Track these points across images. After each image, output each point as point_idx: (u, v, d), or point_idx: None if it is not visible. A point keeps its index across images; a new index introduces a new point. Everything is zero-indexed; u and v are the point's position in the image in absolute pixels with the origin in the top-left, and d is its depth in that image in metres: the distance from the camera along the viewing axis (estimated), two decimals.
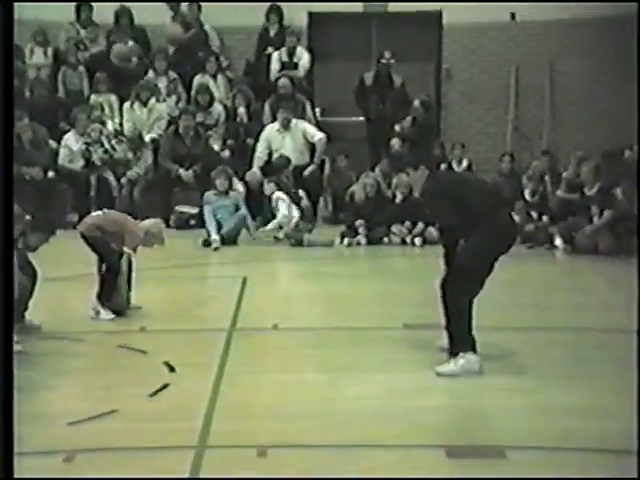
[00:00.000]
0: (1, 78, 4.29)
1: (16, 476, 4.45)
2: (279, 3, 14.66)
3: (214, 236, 11.36)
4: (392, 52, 13.86)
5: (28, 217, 7.17)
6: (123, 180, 13.13)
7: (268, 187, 11.96)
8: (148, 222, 8.11)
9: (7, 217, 4.34)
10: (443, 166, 13.07)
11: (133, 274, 8.00)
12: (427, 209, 6.68)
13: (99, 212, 8.24)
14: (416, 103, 13.84)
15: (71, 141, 13.19)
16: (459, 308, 6.22)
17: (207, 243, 11.38)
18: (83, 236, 7.81)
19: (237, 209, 11.79)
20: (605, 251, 10.81)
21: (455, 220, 6.24)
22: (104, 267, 7.79)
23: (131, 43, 14.41)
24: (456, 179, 6.93)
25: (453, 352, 6.33)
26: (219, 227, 11.52)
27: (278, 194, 11.84)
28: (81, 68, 14.29)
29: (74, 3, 14.64)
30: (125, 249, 7.75)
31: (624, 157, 12.41)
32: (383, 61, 13.81)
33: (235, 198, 11.90)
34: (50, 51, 14.50)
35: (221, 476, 4.58)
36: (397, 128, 13.37)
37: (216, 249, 11.23)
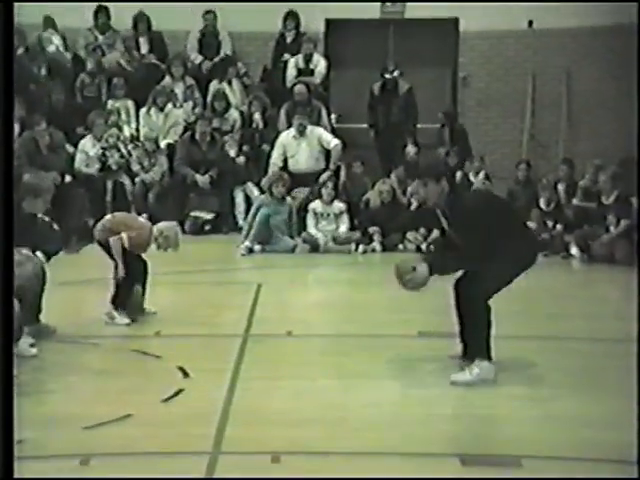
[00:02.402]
0: (1, 78, 4.30)
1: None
2: (296, 9, 14.69)
3: (248, 243, 11.40)
4: (396, 63, 13.88)
5: (47, 219, 7.19)
6: (137, 180, 13.16)
7: (327, 194, 11.93)
8: (163, 224, 8.07)
9: (7, 217, 4.36)
10: (459, 174, 13.05)
11: (148, 279, 8.01)
12: (453, 224, 6.42)
13: (109, 216, 8.26)
14: (440, 115, 13.95)
15: (88, 146, 13.23)
16: (480, 317, 6.20)
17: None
18: (98, 242, 7.83)
19: (290, 217, 11.80)
20: (621, 260, 10.77)
21: (480, 245, 6.15)
22: (119, 272, 7.80)
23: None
24: (486, 196, 6.77)
25: (469, 359, 6.32)
26: (267, 236, 11.52)
27: (341, 205, 11.91)
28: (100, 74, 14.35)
29: (92, 10, 14.70)
30: (122, 235, 7.63)
31: None
32: (387, 76, 13.83)
33: (290, 206, 11.88)
34: (68, 56, 14.54)
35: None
36: (441, 152, 13.44)
37: (242, 255, 11.27)
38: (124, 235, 7.66)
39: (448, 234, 6.43)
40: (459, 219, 6.28)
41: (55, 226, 7.29)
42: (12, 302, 4.42)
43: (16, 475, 3.94)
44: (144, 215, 8.19)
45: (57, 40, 14.36)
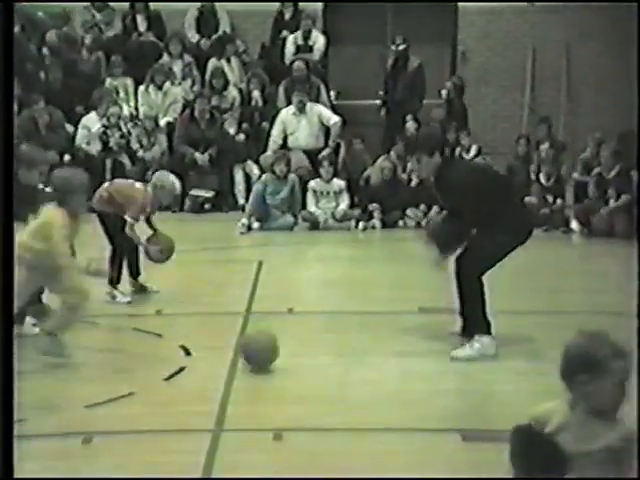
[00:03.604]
0: (1, 77, 4.29)
1: (31, 458, 4.49)
2: None
3: (244, 220, 11.41)
4: (403, 37, 13.78)
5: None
6: (139, 155, 13.15)
7: (326, 172, 11.94)
8: (155, 177, 8.11)
9: (7, 216, 4.36)
10: (458, 150, 13.02)
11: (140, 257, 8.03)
12: (441, 198, 6.54)
13: (106, 184, 8.28)
14: (448, 84, 13.89)
15: (91, 121, 13.16)
16: (474, 292, 6.23)
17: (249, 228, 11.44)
18: (95, 210, 7.82)
19: (293, 194, 11.78)
20: (621, 234, 10.77)
21: (472, 210, 6.19)
22: (111, 250, 7.82)
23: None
24: (473, 168, 6.84)
25: (468, 335, 6.34)
26: (266, 214, 11.52)
27: (341, 182, 11.92)
28: (98, 52, 14.30)
29: None
30: (127, 217, 7.67)
31: None
32: (392, 47, 13.75)
33: (293, 182, 11.85)
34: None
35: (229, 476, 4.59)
36: (433, 114, 13.39)
37: (241, 233, 11.28)
38: (129, 220, 7.68)
39: (445, 209, 6.49)
40: (447, 192, 6.34)
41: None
42: (12, 284, 4.41)
43: (17, 455, 3.95)
44: (139, 184, 8.15)
45: None
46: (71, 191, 6.07)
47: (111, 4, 14.70)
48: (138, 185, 8.03)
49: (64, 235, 6.01)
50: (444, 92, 14.10)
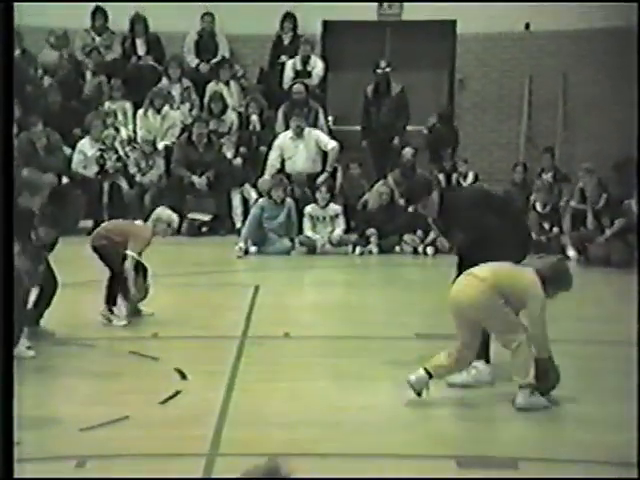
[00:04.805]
0: (1, 78, 4.29)
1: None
2: (293, 11, 14.71)
3: (241, 244, 11.42)
4: (388, 61, 13.85)
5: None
6: (137, 178, 13.17)
7: (322, 198, 11.97)
8: (154, 212, 8.30)
9: (7, 218, 4.36)
10: (454, 175, 13.10)
11: (148, 281, 8.06)
12: (444, 228, 6.62)
13: (106, 223, 8.43)
14: (433, 116, 13.97)
15: (86, 147, 13.21)
16: None
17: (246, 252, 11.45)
18: (93, 247, 7.91)
19: (290, 218, 11.80)
20: (618, 263, 10.76)
21: (475, 236, 6.25)
22: (110, 273, 7.86)
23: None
24: (473, 195, 6.91)
25: None
26: (263, 238, 11.54)
27: (337, 207, 11.97)
28: (99, 76, 14.35)
29: (90, 11, 14.69)
30: (128, 252, 7.79)
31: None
32: (379, 71, 13.79)
33: (289, 206, 11.87)
34: (64, 56, 14.53)
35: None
36: (424, 130, 13.50)
37: (239, 257, 11.27)
38: (134, 255, 7.82)
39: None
40: (448, 220, 6.45)
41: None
42: (12, 302, 4.41)
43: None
44: (139, 221, 8.31)
45: None
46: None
47: (111, 28, 14.77)
48: (138, 222, 8.19)
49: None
50: (430, 119, 14.19)
